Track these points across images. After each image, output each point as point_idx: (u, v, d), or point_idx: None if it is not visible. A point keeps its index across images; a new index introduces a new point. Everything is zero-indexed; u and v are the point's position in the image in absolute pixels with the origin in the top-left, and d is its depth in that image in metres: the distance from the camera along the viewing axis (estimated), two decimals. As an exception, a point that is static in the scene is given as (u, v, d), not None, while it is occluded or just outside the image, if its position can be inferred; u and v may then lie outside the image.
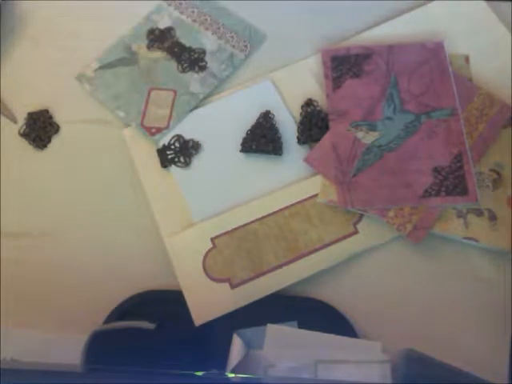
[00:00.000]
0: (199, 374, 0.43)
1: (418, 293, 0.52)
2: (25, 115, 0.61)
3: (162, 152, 0.58)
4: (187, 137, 0.58)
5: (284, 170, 0.57)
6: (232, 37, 0.63)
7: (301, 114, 0.59)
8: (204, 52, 0.63)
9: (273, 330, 0.50)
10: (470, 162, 0.53)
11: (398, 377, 0.47)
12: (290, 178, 0.56)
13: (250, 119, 0.58)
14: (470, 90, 0.57)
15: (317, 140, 0.56)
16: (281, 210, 0.54)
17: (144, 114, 0.59)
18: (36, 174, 0.59)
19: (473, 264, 0.52)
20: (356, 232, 0.53)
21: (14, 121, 0.61)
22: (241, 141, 0.57)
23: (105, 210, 0.57)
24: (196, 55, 0.62)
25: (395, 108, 0.56)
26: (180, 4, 0.66)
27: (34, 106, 0.61)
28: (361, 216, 0.54)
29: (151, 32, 0.64)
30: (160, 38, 0.64)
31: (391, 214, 0.52)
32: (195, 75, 0.61)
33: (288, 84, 0.61)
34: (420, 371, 0.48)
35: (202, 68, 0.62)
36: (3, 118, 0.61)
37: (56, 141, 0.60)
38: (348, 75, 0.58)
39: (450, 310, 0.51)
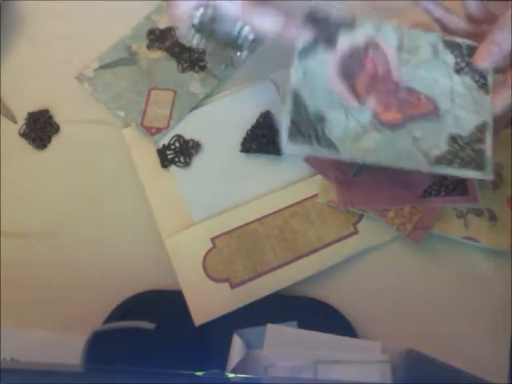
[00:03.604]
0: (199, 374, 0.43)
1: (417, 293, 0.52)
2: (25, 115, 0.61)
3: (161, 152, 0.58)
4: (187, 137, 0.58)
5: (284, 170, 0.57)
6: (232, 37, 0.63)
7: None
8: (204, 52, 0.63)
9: (273, 329, 0.50)
10: (470, 162, 0.53)
11: (398, 377, 0.47)
12: (290, 178, 0.56)
13: (249, 119, 0.58)
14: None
15: (317, 140, 0.56)
16: (281, 210, 0.54)
17: (144, 113, 0.59)
18: (36, 174, 0.59)
19: (473, 264, 0.52)
20: (356, 232, 0.53)
21: (14, 121, 0.61)
22: (241, 141, 0.57)
23: (105, 210, 0.57)
24: (196, 55, 0.62)
25: None
26: (180, 4, 0.66)
27: (34, 106, 0.61)
28: (361, 216, 0.54)
29: (151, 32, 0.64)
30: (160, 37, 0.64)
31: (391, 214, 0.52)
32: (195, 75, 0.61)
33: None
34: (420, 371, 0.48)
35: (202, 68, 0.62)
36: (3, 118, 0.61)
37: (56, 141, 0.60)
38: None
39: (450, 310, 0.51)
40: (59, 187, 0.58)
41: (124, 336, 0.50)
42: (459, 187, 0.52)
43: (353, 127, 0.45)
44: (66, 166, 0.59)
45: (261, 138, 0.57)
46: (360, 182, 0.53)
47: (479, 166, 0.45)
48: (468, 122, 0.46)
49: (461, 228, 0.52)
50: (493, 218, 0.52)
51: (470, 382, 0.47)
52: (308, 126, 0.44)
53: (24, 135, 0.60)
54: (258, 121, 0.58)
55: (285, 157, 0.57)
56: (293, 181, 0.56)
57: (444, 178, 0.53)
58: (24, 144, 0.60)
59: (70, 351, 0.49)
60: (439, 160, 0.45)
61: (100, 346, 0.49)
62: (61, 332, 0.52)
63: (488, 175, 0.45)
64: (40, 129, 0.60)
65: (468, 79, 0.47)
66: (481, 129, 0.46)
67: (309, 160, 0.56)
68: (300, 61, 0.47)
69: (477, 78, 0.47)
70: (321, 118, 0.45)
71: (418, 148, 0.45)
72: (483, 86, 0.46)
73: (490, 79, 0.46)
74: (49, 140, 0.60)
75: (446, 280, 0.52)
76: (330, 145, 0.44)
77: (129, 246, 0.55)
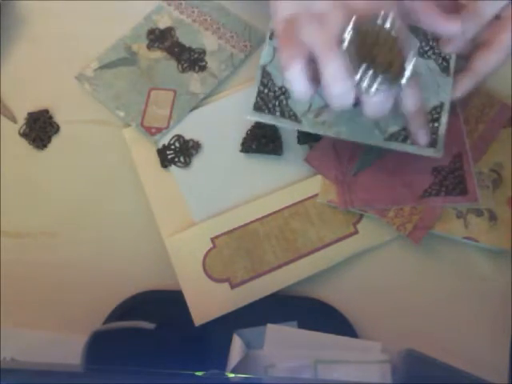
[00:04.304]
0: (199, 374, 0.43)
1: (418, 293, 0.52)
2: (25, 115, 0.61)
3: (161, 152, 0.58)
4: (187, 137, 0.58)
5: (284, 169, 0.57)
6: (232, 37, 0.63)
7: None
8: (204, 52, 0.63)
9: (273, 330, 0.50)
10: (469, 161, 0.53)
11: (398, 377, 0.47)
12: (290, 178, 0.56)
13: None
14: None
15: (317, 140, 0.56)
16: (281, 209, 0.54)
17: (144, 113, 0.59)
18: (36, 173, 0.59)
19: (473, 264, 0.52)
20: (356, 232, 0.53)
21: (14, 121, 0.61)
22: (241, 141, 0.57)
23: (105, 210, 0.57)
24: (196, 55, 0.62)
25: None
26: (180, 4, 0.66)
27: (34, 106, 0.61)
28: (361, 216, 0.54)
29: (151, 32, 0.64)
30: (160, 38, 0.64)
31: (391, 214, 0.52)
32: (195, 75, 0.61)
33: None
34: (420, 371, 0.48)
35: (202, 68, 0.62)
36: (3, 118, 0.61)
37: (56, 141, 0.60)
38: None
39: (450, 310, 0.51)
40: (59, 187, 0.58)
41: (124, 336, 0.50)
42: (459, 187, 0.52)
43: (316, 102, 0.47)
44: (65, 166, 0.59)
45: (261, 138, 0.57)
46: (360, 182, 0.53)
47: (431, 144, 0.47)
48: (426, 102, 0.47)
49: (461, 228, 0.52)
50: (493, 217, 0.52)
51: (470, 382, 0.47)
52: (273, 99, 0.47)
53: (24, 135, 0.60)
54: (258, 121, 0.58)
55: (285, 157, 0.57)
56: (293, 181, 0.56)
57: (444, 177, 0.53)
58: (24, 144, 0.60)
59: (70, 351, 0.49)
60: (394, 136, 0.47)
61: (100, 345, 0.49)
62: (61, 332, 0.52)
63: (439, 153, 0.47)
64: (40, 129, 0.60)
65: (431, 62, 0.49)
66: (438, 109, 0.48)
67: (309, 160, 0.56)
68: (271, 39, 0.49)
69: (440, 61, 0.49)
70: (286, 92, 0.48)
71: (376, 124, 0.48)
72: (445, 68, 0.48)
73: (452, 63, 0.48)
74: (49, 140, 0.60)
75: (446, 280, 0.52)
76: (293, 116, 0.47)
77: (129, 246, 0.55)
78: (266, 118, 0.47)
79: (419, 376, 0.47)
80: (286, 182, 0.56)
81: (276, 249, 0.53)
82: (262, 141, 0.56)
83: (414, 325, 0.51)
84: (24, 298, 0.54)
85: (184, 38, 0.64)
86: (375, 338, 0.50)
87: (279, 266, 0.52)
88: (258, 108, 0.47)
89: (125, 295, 0.52)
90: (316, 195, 0.54)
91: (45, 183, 0.58)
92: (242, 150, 0.57)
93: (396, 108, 0.44)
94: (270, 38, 0.49)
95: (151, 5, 0.66)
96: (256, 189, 0.56)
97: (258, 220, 0.54)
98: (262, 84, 0.48)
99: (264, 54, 0.49)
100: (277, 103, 0.47)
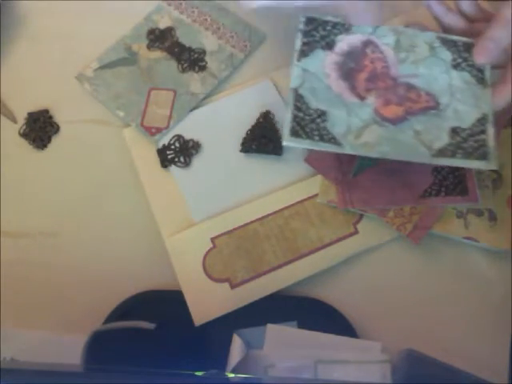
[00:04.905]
0: (199, 374, 0.43)
1: (418, 293, 0.52)
2: (25, 115, 0.61)
3: (162, 152, 0.58)
4: (187, 137, 0.58)
5: (284, 170, 0.57)
6: (232, 37, 0.63)
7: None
8: (204, 52, 0.63)
9: (273, 330, 0.50)
10: (469, 162, 0.53)
11: (398, 377, 0.47)
12: (290, 178, 0.56)
13: (249, 119, 0.58)
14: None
15: (317, 140, 0.56)
16: (281, 209, 0.54)
17: (144, 113, 0.59)
18: (36, 173, 0.59)
19: (473, 264, 0.52)
20: (356, 232, 0.53)
21: (14, 121, 0.61)
22: (241, 141, 0.57)
23: (105, 210, 0.57)
24: (196, 55, 0.62)
25: None
26: (180, 4, 0.66)
27: (34, 106, 0.61)
28: (361, 216, 0.54)
29: (151, 32, 0.64)
30: (160, 38, 0.64)
31: (391, 214, 0.52)
32: (195, 75, 0.61)
33: (288, 84, 0.60)
34: (420, 371, 0.48)
35: (202, 68, 0.62)
36: (3, 118, 0.61)
37: (56, 141, 0.60)
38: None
39: (450, 310, 0.51)
40: (59, 187, 0.58)
41: (124, 336, 0.50)
42: (459, 187, 0.52)
43: (355, 123, 0.46)
44: (66, 166, 0.59)
45: (261, 138, 0.57)
46: (360, 182, 0.53)
47: (482, 157, 0.45)
48: (468, 115, 0.46)
49: (461, 228, 0.52)
50: (493, 218, 0.52)
51: (470, 382, 0.47)
52: (310, 123, 0.45)
53: (24, 135, 0.60)
54: (258, 121, 0.58)
55: (285, 157, 0.57)
56: (293, 181, 0.56)
57: (444, 177, 0.53)
58: (24, 144, 0.60)
59: (69, 351, 0.49)
60: (442, 152, 0.45)
61: (100, 345, 0.49)
62: (61, 332, 0.52)
63: (492, 165, 0.45)
64: (40, 129, 0.60)
65: (466, 74, 0.48)
66: (482, 121, 0.46)
67: (309, 160, 0.56)
68: (299, 60, 0.48)
69: (474, 73, 0.47)
70: (322, 114, 0.46)
71: (420, 141, 0.46)
72: (481, 80, 0.47)
73: (487, 73, 0.47)
74: (49, 140, 0.60)
75: (446, 280, 0.52)
76: (332, 139, 0.45)
77: (129, 246, 0.55)
78: (304, 143, 0.45)
79: (419, 376, 0.47)
80: (286, 182, 0.56)
81: (276, 249, 0.53)
82: (262, 141, 0.57)
83: (413, 325, 0.51)
84: (24, 298, 0.54)
85: (184, 38, 0.64)
86: (375, 338, 0.50)
87: (279, 266, 0.52)
88: (294, 133, 0.44)
89: (125, 295, 0.52)
90: (316, 195, 0.54)
91: (45, 183, 0.58)
92: (242, 150, 0.57)
93: None
94: (298, 60, 0.48)
95: (151, 5, 0.66)
96: (256, 189, 0.56)
97: (257, 220, 0.54)
98: (296, 108, 0.46)
99: (294, 77, 0.47)
100: (314, 127, 0.45)
